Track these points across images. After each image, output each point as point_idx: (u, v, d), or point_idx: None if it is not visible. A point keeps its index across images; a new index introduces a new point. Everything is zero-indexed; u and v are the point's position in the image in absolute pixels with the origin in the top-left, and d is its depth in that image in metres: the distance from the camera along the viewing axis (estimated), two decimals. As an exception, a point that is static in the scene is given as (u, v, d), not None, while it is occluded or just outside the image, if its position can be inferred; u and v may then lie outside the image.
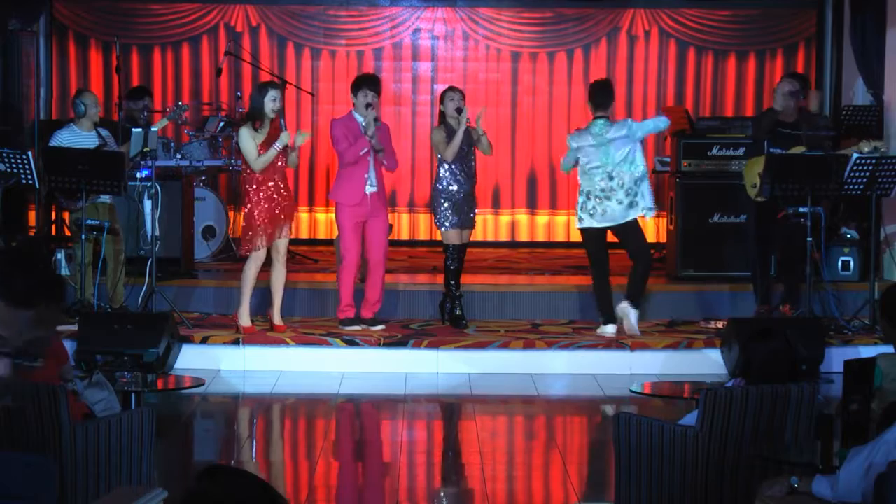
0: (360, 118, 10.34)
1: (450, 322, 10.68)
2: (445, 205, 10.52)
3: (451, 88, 10.79)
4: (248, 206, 10.11)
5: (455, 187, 10.51)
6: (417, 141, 14.47)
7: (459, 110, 10.49)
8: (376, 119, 10.34)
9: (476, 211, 10.79)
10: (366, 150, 10.25)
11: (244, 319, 10.29)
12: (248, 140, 10.01)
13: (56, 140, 10.52)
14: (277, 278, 10.28)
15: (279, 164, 10.04)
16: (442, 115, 10.66)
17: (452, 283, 10.65)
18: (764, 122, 10.67)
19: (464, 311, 10.69)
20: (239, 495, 2.66)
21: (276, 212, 10.07)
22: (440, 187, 10.55)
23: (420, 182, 14.34)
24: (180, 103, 12.14)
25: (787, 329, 9.05)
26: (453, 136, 10.44)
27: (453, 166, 10.49)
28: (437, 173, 10.60)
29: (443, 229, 10.60)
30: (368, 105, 10.32)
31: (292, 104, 14.32)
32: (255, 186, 10.06)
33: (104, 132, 10.71)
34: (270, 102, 10.01)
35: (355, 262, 10.41)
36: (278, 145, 9.94)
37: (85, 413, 6.11)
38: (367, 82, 10.46)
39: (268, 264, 10.23)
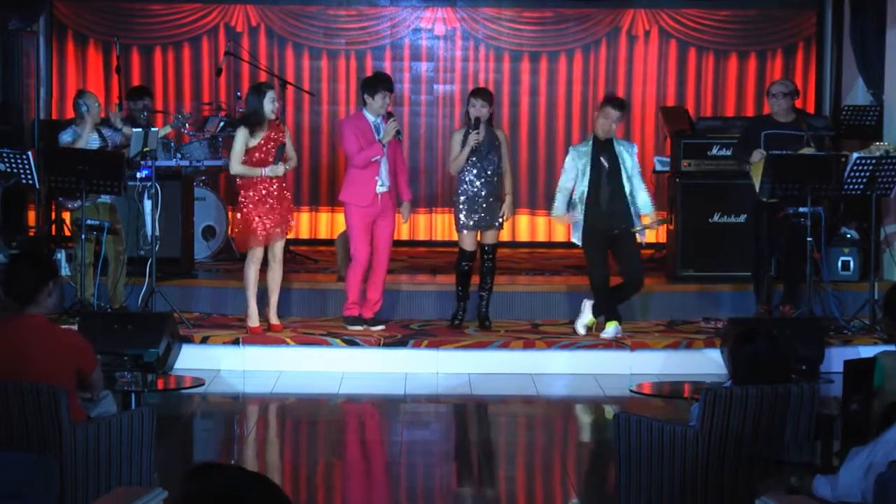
0: (371, 117, 10.25)
1: (479, 326, 10.60)
2: (461, 207, 10.45)
3: (474, 93, 10.53)
4: (241, 205, 10.16)
5: (474, 189, 10.41)
6: (416, 142, 14.46)
7: (478, 121, 10.36)
8: (398, 132, 10.27)
9: (503, 212, 10.53)
10: (378, 157, 10.18)
11: (251, 320, 10.30)
12: (239, 142, 10.03)
13: (59, 142, 10.54)
14: (273, 278, 10.28)
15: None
16: (467, 115, 10.50)
17: (460, 288, 10.62)
18: (742, 139, 10.71)
19: (487, 312, 10.67)
20: (238, 491, 2.64)
21: (269, 213, 10.06)
22: (459, 189, 10.48)
23: (418, 182, 14.31)
24: (183, 112, 12.15)
25: (777, 329, 9.07)
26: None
27: (472, 168, 10.39)
28: (459, 174, 10.49)
29: (459, 232, 10.54)
30: (391, 115, 10.23)
31: (292, 104, 14.33)
32: (246, 186, 10.09)
33: (106, 131, 10.73)
34: (270, 103, 10.00)
35: (365, 262, 10.35)
36: (267, 173, 9.95)
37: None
38: (386, 84, 10.31)
39: (265, 264, 10.24)
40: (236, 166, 10.07)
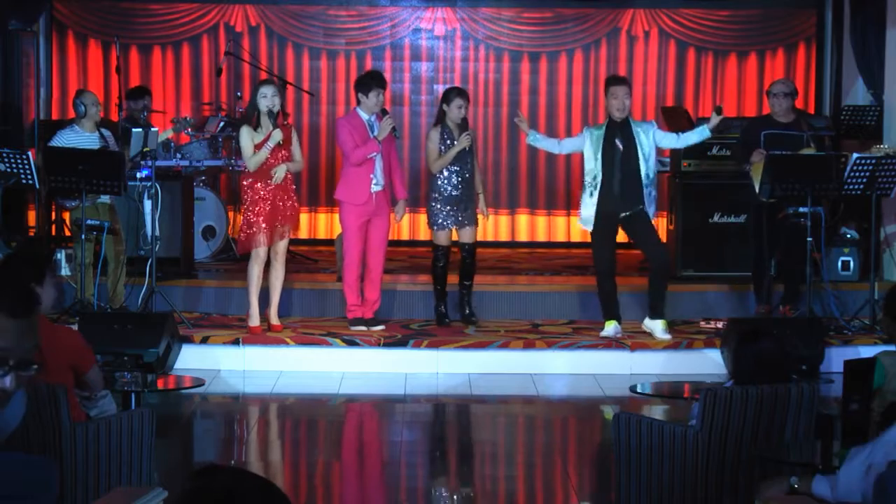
0: (365, 116, 10.26)
1: (462, 321, 10.64)
2: (436, 206, 10.48)
3: (459, 93, 10.58)
4: (244, 206, 10.17)
5: (450, 189, 10.45)
6: (416, 141, 14.46)
7: (466, 121, 10.42)
8: (394, 129, 10.29)
9: (476, 209, 10.62)
10: (374, 153, 10.19)
11: (252, 320, 10.30)
12: (245, 139, 10.06)
13: (58, 140, 10.52)
14: (276, 278, 10.28)
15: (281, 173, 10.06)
16: (441, 114, 10.57)
17: (439, 286, 10.66)
18: (743, 139, 10.71)
19: (471, 307, 10.69)
20: (238, 493, 2.64)
21: (273, 213, 10.06)
22: (433, 186, 10.50)
23: (418, 182, 14.31)
24: (187, 117, 12.16)
25: (777, 329, 9.08)
26: (450, 140, 10.36)
27: (448, 167, 10.43)
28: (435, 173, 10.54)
29: (433, 229, 10.58)
30: (385, 112, 10.25)
31: (292, 104, 14.32)
32: (249, 187, 10.10)
33: (106, 133, 10.72)
34: (262, 100, 10.04)
35: (358, 261, 10.37)
36: (270, 144, 9.97)
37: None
38: (379, 81, 10.34)
39: (268, 264, 10.25)
40: (251, 161, 10.06)
